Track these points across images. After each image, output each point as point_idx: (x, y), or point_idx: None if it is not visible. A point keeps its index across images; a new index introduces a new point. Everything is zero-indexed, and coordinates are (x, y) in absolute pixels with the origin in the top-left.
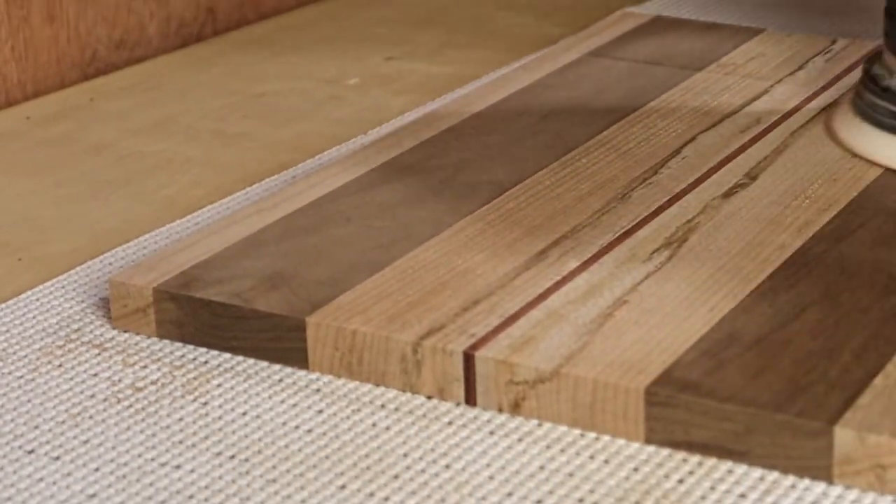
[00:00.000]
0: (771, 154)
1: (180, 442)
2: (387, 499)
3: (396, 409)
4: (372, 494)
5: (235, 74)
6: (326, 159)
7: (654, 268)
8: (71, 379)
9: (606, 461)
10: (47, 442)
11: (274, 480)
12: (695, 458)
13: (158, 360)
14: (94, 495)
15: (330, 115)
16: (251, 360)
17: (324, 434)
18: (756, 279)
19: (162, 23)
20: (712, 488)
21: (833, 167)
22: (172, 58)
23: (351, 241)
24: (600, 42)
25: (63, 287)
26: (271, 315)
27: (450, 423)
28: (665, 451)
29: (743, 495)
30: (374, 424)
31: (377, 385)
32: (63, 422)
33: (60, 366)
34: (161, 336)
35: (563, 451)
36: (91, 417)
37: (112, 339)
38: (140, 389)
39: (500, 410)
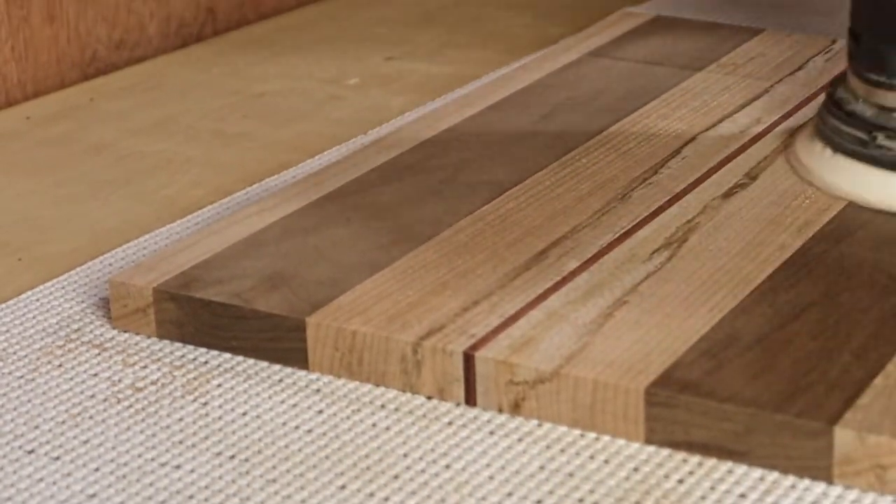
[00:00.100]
0: (771, 154)
1: (180, 442)
2: (387, 499)
3: (396, 410)
4: (372, 494)
5: (235, 74)
6: (326, 159)
7: (654, 268)
8: (71, 379)
9: (606, 461)
10: (47, 442)
11: (274, 480)
12: (695, 459)
13: (158, 360)
14: (94, 495)
15: (330, 115)
16: (251, 361)
17: (324, 434)
18: (756, 279)
19: (162, 23)
20: (712, 488)
21: None
22: (172, 58)
23: (351, 241)
24: (600, 42)
25: (63, 287)
26: (271, 315)
27: (450, 424)
28: (665, 452)
29: (743, 495)
30: (374, 424)
31: (377, 385)
32: (63, 422)
33: (60, 366)
34: (161, 336)
35: (563, 451)
36: (91, 417)
37: (112, 339)
38: (140, 389)
39: (500, 411)
